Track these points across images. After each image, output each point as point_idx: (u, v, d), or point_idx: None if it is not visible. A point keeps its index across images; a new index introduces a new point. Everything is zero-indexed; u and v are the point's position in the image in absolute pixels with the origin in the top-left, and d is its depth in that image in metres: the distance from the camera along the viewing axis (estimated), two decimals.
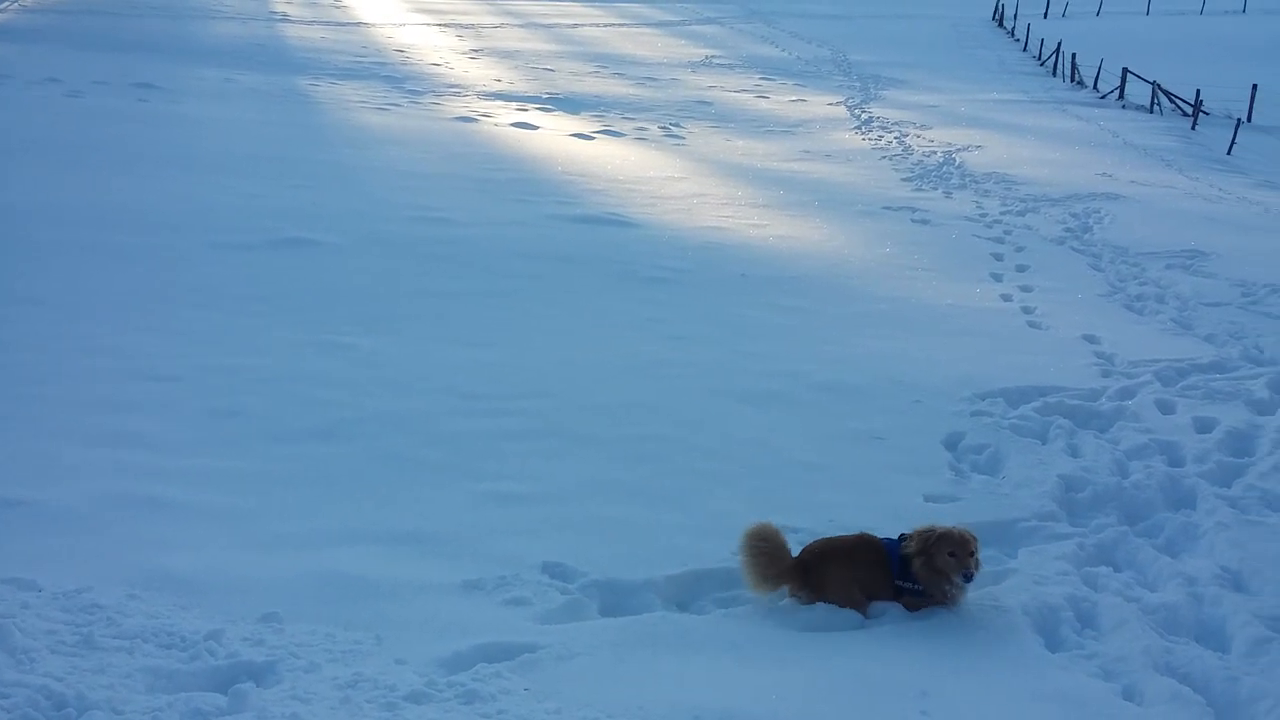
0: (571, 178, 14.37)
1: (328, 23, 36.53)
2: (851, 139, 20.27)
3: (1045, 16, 54.82)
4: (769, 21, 48.50)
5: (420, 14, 42.95)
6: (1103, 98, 32.19)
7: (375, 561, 4.75)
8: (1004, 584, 4.82)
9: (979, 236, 12.41)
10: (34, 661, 3.77)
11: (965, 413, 6.91)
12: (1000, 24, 53.21)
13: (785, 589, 4.59)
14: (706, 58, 34.81)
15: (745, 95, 26.16)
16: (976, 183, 16.00)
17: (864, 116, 23.49)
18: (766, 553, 4.53)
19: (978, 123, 23.35)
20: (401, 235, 10.68)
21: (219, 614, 4.23)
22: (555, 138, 17.87)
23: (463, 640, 4.13)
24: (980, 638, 4.37)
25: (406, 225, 11.08)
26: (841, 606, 4.53)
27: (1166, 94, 30.38)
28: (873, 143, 19.86)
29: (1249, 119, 28.79)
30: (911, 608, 4.58)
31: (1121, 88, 32.30)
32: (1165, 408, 7.18)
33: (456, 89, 23.11)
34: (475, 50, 31.93)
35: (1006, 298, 9.96)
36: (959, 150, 19.19)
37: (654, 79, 28.25)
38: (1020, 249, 11.89)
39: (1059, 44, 38.75)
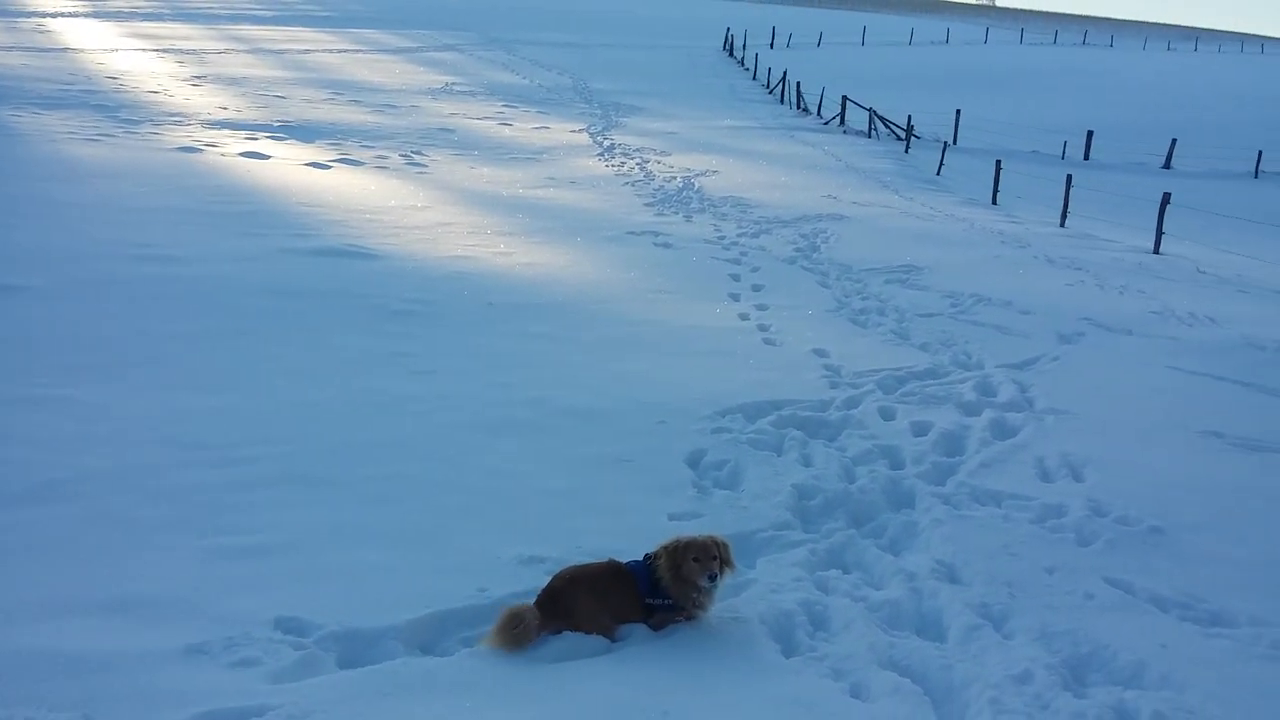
0: (308, 209, 13.84)
1: (29, 48, 33.69)
2: (595, 165, 20.63)
3: (771, 46, 58.02)
4: (508, 49, 48.78)
5: (134, 39, 40.38)
6: (826, 124, 34.31)
7: (86, 634, 4.34)
8: (743, 595, 4.97)
9: (718, 258, 12.89)
10: None
11: (707, 430, 7.12)
12: (731, 53, 55.86)
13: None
14: (447, 85, 34.57)
15: (488, 122, 26.14)
16: (714, 206, 16.65)
17: (606, 143, 23.99)
18: (520, 634, 4.43)
19: (714, 149, 24.35)
20: (119, 275, 9.92)
21: None
22: (289, 167, 17.17)
23: (181, 710, 3.84)
24: (719, 651, 4.48)
25: (125, 264, 10.31)
26: (589, 634, 4.53)
27: (882, 120, 32.77)
28: (615, 169, 20.29)
29: (954, 141, 31.50)
30: (658, 626, 4.65)
31: (842, 114, 34.56)
32: (887, 414, 7.67)
33: (178, 118, 21.81)
34: (198, 77, 30.32)
35: (744, 316, 10.37)
36: (697, 175, 19.93)
37: (393, 106, 27.75)
38: (756, 269, 12.44)
39: (785, 73, 41.07)
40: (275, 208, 13.79)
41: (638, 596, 4.65)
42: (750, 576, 5.20)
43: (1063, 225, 18.81)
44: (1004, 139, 30.74)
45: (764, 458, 6.72)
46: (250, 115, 23.29)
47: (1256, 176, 31.28)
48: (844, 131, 32.76)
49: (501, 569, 5.06)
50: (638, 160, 21.57)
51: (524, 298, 10.45)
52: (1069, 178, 20.22)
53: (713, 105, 35.76)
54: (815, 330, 9.89)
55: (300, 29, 51.64)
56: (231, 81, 29.94)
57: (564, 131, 25.63)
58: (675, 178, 19.48)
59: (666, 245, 13.47)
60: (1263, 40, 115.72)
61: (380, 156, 19.23)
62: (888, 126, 32.45)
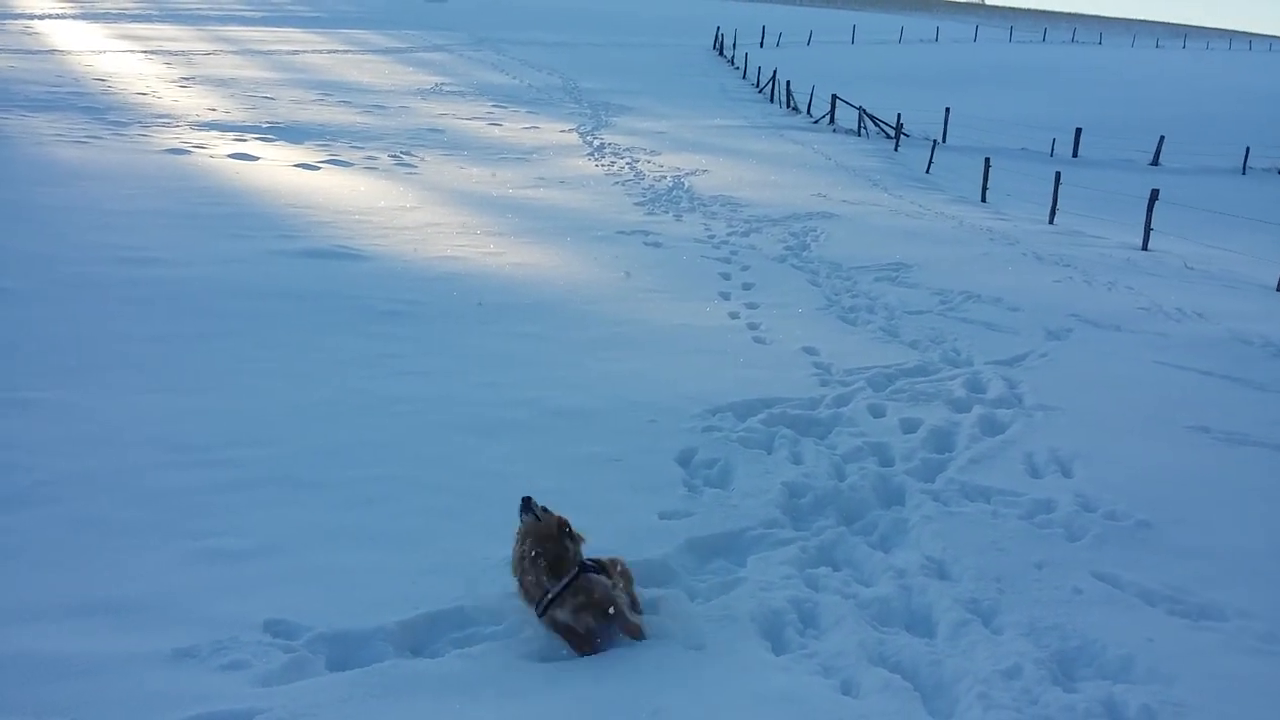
0: (296, 210, 13.79)
1: (16, 50, 33.55)
2: (585, 165, 20.62)
3: (761, 45, 58.11)
4: (498, 49, 48.75)
5: (122, 40, 40.26)
6: (815, 122, 34.36)
7: (72, 638, 4.32)
8: (734, 593, 4.97)
9: (708, 257, 12.88)
10: None
11: (698, 429, 7.11)
12: (720, 52, 55.91)
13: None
14: (436, 85, 34.52)
15: (478, 123, 26.11)
16: (704, 205, 16.65)
17: (596, 143, 23.98)
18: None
19: (704, 148, 24.37)
20: (101, 278, 9.86)
21: None
22: (277, 169, 17.11)
23: (170, 714, 3.81)
24: (710, 649, 4.48)
25: (108, 267, 10.24)
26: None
27: (872, 118, 32.82)
28: (605, 169, 20.28)
29: (944, 139, 31.56)
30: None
31: (832, 113, 34.61)
32: (876, 411, 7.68)
33: (166, 119, 21.73)
34: (186, 78, 30.22)
35: (734, 315, 10.37)
36: (687, 175, 19.94)
37: (382, 106, 27.70)
38: (746, 268, 12.43)
39: (774, 71, 41.12)
40: (264, 209, 13.74)
41: None
42: (740, 575, 5.19)
43: (1051, 222, 18.86)
44: (993, 137, 30.81)
45: (754, 456, 6.72)
46: (239, 116, 23.23)
47: (1244, 173, 31.42)
48: (833, 130, 32.80)
49: (491, 570, 5.05)
50: (628, 160, 21.57)
51: (514, 298, 10.42)
52: (1057, 175, 20.28)
53: (702, 104, 35.79)
54: (805, 328, 9.90)
55: (289, 30, 51.55)
56: (220, 83, 29.85)
57: (554, 131, 25.62)
58: (665, 177, 19.48)
59: (657, 244, 13.47)
60: (1251, 37, 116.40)
61: (369, 157, 19.18)
62: (877, 125, 32.51)
